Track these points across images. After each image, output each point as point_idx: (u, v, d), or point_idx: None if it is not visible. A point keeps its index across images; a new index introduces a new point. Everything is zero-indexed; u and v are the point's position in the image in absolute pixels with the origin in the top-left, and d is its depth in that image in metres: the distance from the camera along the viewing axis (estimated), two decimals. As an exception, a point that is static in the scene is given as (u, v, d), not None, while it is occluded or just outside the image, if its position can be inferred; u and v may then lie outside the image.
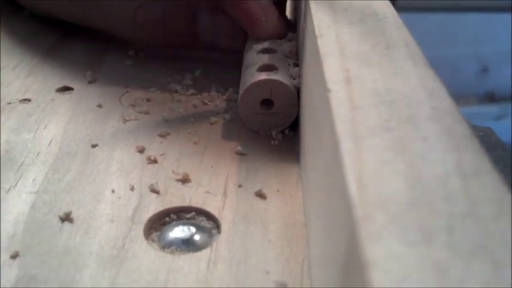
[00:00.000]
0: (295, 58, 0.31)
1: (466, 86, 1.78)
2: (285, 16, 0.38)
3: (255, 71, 0.29)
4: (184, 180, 0.25)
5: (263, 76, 0.28)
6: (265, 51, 0.31)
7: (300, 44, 0.30)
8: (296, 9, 0.35)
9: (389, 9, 0.23)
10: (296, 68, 0.29)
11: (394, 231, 0.11)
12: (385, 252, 0.11)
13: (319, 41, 0.20)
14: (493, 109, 1.80)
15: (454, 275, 0.10)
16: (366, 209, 0.12)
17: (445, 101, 0.16)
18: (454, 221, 0.11)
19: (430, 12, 1.64)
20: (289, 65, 0.30)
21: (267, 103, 0.28)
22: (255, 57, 0.31)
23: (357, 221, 0.11)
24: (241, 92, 0.28)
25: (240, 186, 0.25)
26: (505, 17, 1.69)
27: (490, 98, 1.82)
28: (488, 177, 0.13)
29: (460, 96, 1.75)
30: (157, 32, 0.36)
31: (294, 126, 0.29)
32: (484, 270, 0.10)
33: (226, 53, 0.37)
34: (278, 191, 0.25)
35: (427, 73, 0.18)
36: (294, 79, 0.29)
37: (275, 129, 0.29)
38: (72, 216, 0.23)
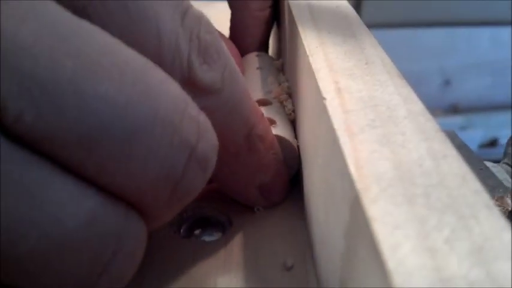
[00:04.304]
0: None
1: (431, 98, 1.85)
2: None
3: None
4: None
5: None
6: (259, 103, 0.30)
7: (288, 68, 0.34)
8: (280, 39, 0.39)
9: (365, 32, 0.28)
10: (289, 100, 0.31)
11: (386, 197, 0.15)
12: (381, 211, 0.15)
13: (311, 59, 0.25)
14: (457, 120, 1.87)
15: (431, 224, 0.14)
16: (364, 183, 0.16)
17: (417, 104, 0.20)
18: (428, 189, 0.16)
19: (394, 28, 1.70)
20: (281, 102, 0.31)
21: None
22: None
23: (358, 191, 0.15)
24: None
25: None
26: (466, 31, 1.76)
27: (454, 109, 1.90)
28: (454, 159, 0.17)
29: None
30: None
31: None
32: (452, 221, 0.14)
33: None
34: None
35: (401, 83, 0.22)
36: (289, 114, 0.30)
37: None
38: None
